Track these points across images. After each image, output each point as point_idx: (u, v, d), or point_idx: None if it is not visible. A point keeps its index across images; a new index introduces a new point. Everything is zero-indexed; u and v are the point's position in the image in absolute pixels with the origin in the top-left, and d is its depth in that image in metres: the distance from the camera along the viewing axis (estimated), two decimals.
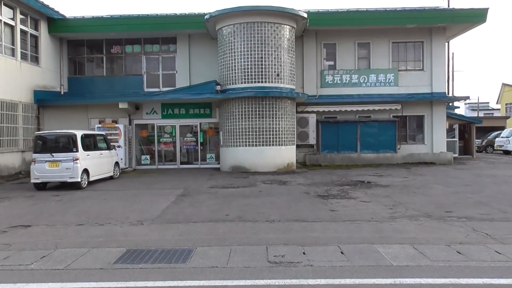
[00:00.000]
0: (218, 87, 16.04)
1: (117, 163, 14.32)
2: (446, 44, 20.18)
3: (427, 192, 10.14)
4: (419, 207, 8.20)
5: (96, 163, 12.56)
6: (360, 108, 18.73)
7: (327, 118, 18.83)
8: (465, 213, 7.59)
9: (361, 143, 18.36)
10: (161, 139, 18.01)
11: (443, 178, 12.97)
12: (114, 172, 14.04)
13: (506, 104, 45.91)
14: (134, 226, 6.97)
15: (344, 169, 16.41)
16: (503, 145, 26.45)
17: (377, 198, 9.33)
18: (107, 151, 13.57)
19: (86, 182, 11.89)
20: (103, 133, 14.27)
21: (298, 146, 18.33)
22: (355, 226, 6.66)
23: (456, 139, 22.24)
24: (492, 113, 53.72)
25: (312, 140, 18.56)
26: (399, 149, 18.58)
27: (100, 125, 16.94)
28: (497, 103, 48.58)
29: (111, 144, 14.24)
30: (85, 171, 11.83)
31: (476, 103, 49.68)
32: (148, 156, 18.04)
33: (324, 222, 6.98)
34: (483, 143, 28.87)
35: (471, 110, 53.55)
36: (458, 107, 27.99)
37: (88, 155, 12.08)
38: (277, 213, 7.77)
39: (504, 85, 46.07)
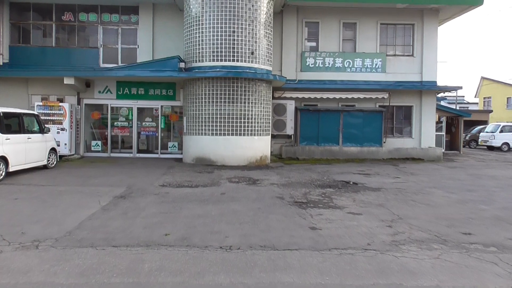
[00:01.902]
0: (182, 65, 13.63)
1: (53, 150, 11.79)
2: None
3: (428, 200, 8.23)
4: (426, 225, 6.24)
5: (21, 150, 10.05)
6: (343, 95, 16.72)
7: (307, 106, 16.76)
8: (489, 237, 5.67)
9: (344, 135, 16.41)
10: (115, 123, 15.46)
11: (439, 180, 11.15)
12: (49, 160, 11.54)
13: (484, 98, 45.31)
14: (20, 252, 4.68)
15: (324, 164, 14.44)
16: (487, 140, 25.20)
17: (369, 208, 7.34)
18: (38, 134, 11.02)
19: (4, 173, 9.40)
20: (35, 112, 11.71)
21: (273, 137, 16.25)
22: (347, 261, 4.60)
23: (443, 133, 20.67)
24: (467, 107, 53.22)
25: (289, 130, 16.47)
26: (384, 142, 16.76)
27: (40, 103, 14.24)
28: (475, 97, 47.88)
29: (45, 126, 11.62)
30: (3, 159, 9.34)
31: (454, 96, 48.91)
32: (99, 142, 15.49)
33: (302, 251, 4.89)
34: (467, 138, 27.59)
35: (448, 103, 52.81)
36: (445, 99, 26.50)
37: (7, 139, 9.57)
38: (238, 232, 5.63)
39: (483, 78, 45.39)
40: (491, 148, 25.01)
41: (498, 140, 24.29)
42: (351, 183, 10.33)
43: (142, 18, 16.24)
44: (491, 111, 33.75)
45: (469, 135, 27.64)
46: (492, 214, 7.12)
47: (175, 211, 6.87)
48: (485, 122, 30.24)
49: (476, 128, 28.07)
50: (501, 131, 24.32)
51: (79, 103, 15.15)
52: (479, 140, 26.15)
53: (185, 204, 7.40)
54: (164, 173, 11.43)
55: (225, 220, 6.32)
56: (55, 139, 12.19)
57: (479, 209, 7.49)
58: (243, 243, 5.15)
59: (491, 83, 43.34)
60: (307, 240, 5.34)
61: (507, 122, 27.74)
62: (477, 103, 47.45)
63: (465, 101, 57.60)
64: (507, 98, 40.98)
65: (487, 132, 25.61)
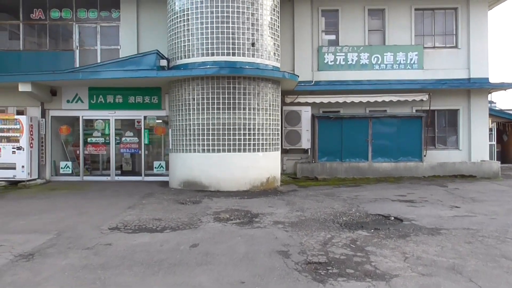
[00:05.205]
0: (164, 62, 10.74)
1: None
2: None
3: None
4: None
5: None
6: (372, 98, 13.50)
7: (327, 113, 13.58)
8: None
9: (374, 148, 13.10)
10: (89, 139, 12.64)
11: None
12: None
13: None
14: None
15: (351, 186, 11.17)
16: None
17: (438, 278, 4.07)
18: None
19: None
20: None
21: (285, 152, 13.21)
22: None
23: (494, 142, 17.03)
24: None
25: (305, 143, 13.29)
26: (425, 156, 13.33)
27: None
28: None
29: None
30: None
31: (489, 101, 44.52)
32: (70, 163, 12.63)
33: None
34: None
35: None
36: (494, 102, 22.75)
37: None
38: None
39: None
40: None
41: None
42: (392, 218, 7.07)
43: (124, 13, 13.57)
44: None
45: None
46: None
47: None
48: None
49: None
50: None
51: (43, 115, 12.42)
52: None
53: (118, 275, 4.31)
54: (131, 205, 8.41)
55: None
56: None
57: None
58: None
59: None
60: None
61: None
62: None
63: (497, 108, 52.77)
64: None
65: None
